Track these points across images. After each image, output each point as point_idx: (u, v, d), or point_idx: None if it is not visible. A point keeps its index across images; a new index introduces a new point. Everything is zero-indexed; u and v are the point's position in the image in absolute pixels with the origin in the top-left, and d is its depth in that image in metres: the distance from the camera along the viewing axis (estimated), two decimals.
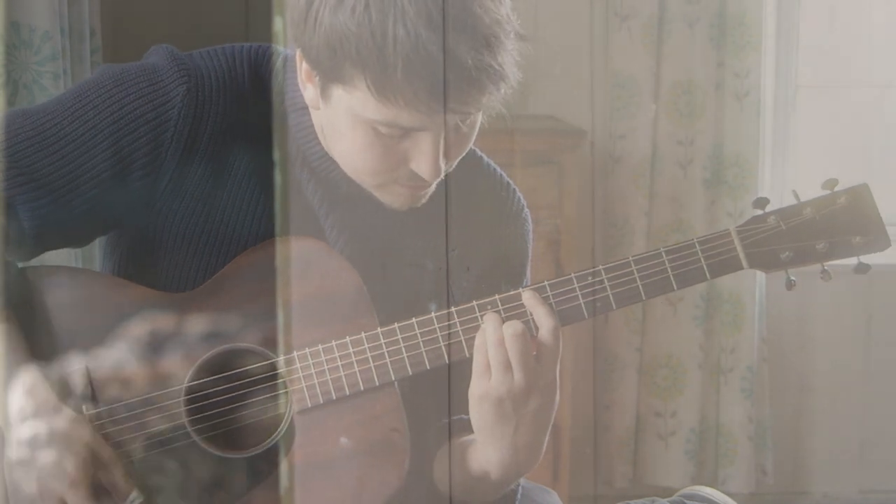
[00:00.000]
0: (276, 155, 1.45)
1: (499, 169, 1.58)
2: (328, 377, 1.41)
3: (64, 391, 1.40)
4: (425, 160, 1.39)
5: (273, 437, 1.41)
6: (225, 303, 1.44)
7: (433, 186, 1.45)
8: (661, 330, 3.28)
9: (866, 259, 1.42)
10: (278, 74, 1.46)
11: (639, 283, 1.41)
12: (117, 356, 1.42)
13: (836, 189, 1.42)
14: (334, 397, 1.41)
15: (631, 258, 1.41)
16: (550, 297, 1.41)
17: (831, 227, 1.42)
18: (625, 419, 3.30)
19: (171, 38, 1.54)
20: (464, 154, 1.45)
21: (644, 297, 1.41)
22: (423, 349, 1.41)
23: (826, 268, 1.43)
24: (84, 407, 1.41)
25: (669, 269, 1.41)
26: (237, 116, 1.46)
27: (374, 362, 1.41)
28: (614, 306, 1.41)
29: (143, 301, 1.44)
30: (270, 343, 1.42)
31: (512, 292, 1.41)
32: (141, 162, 1.44)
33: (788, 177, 3.33)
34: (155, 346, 1.42)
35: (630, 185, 3.25)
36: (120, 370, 1.41)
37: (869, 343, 3.32)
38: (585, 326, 3.21)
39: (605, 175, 3.25)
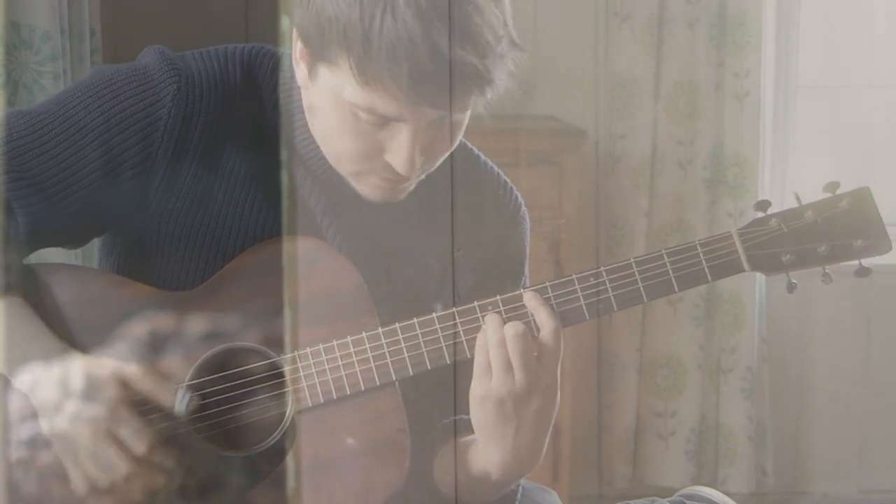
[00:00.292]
0: (283, 155, 1.45)
1: (496, 168, 1.58)
2: (329, 376, 1.41)
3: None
4: (399, 153, 1.38)
5: (273, 436, 1.41)
6: (225, 302, 1.44)
7: (413, 183, 1.44)
8: (662, 330, 3.28)
9: (867, 262, 1.42)
10: (285, 73, 1.46)
11: (640, 284, 1.41)
12: (117, 355, 1.42)
13: (838, 192, 1.42)
14: (335, 397, 1.41)
15: (632, 260, 1.41)
16: (552, 297, 1.41)
17: (833, 231, 1.42)
18: (625, 419, 3.30)
19: (171, 38, 1.54)
20: (446, 155, 1.44)
21: (645, 299, 1.41)
22: (424, 349, 1.41)
23: (827, 271, 1.43)
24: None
25: (671, 271, 1.41)
26: (229, 116, 1.46)
27: (374, 362, 1.41)
28: (616, 308, 1.41)
29: (144, 299, 1.45)
30: (271, 342, 1.42)
31: (513, 293, 1.41)
32: (132, 161, 1.44)
33: (788, 177, 3.34)
34: (155, 345, 1.42)
35: (630, 185, 3.25)
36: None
37: (869, 343, 3.32)
38: (588, 328, 3.21)
39: (605, 175, 3.26)
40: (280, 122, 1.47)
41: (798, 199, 1.43)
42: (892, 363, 3.30)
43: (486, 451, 1.43)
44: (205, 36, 1.63)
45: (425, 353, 1.41)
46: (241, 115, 1.47)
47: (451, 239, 1.50)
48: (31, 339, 1.40)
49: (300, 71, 1.42)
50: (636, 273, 1.41)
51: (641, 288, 1.41)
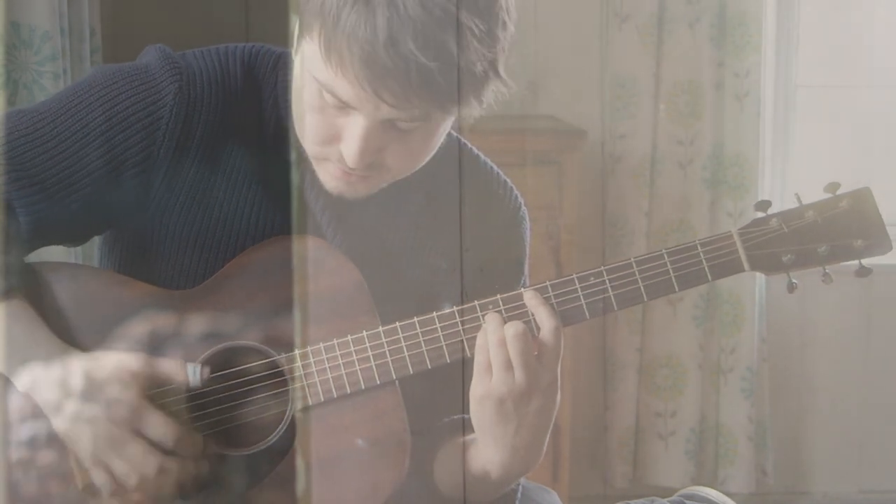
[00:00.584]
0: (293, 155, 1.45)
1: (496, 167, 1.58)
2: (329, 375, 1.41)
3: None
4: (351, 142, 1.37)
5: (274, 434, 1.41)
6: (226, 301, 1.44)
7: (377, 183, 1.43)
8: (662, 330, 3.28)
9: (867, 262, 1.42)
10: (293, 70, 1.46)
11: (640, 284, 1.41)
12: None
13: (839, 192, 1.42)
14: (335, 395, 1.41)
15: (633, 259, 1.42)
16: (552, 297, 1.41)
17: (833, 231, 1.42)
18: (625, 419, 3.30)
19: (171, 38, 1.54)
20: (415, 161, 1.43)
21: (646, 299, 1.41)
22: (424, 348, 1.41)
23: (827, 271, 1.43)
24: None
25: (671, 271, 1.41)
26: (230, 115, 1.46)
27: (375, 360, 1.41)
28: (616, 307, 1.41)
29: (145, 298, 1.45)
30: (272, 341, 1.42)
31: (514, 292, 1.41)
32: (134, 160, 1.44)
33: (788, 177, 3.34)
34: (156, 344, 1.42)
35: (630, 185, 3.25)
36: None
37: (869, 343, 3.32)
38: (590, 327, 3.22)
39: (605, 175, 3.26)
40: (281, 122, 1.47)
41: (798, 199, 1.43)
42: (892, 363, 3.30)
43: (487, 450, 1.43)
44: (205, 36, 1.63)
45: (426, 352, 1.41)
46: (241, 114, 1.47)
47: (458, 238, 1.50)
48: (33, 339, 1.40)
49: (293, 47, 1.43)
50: (636, 272, 1.41)
51: (642, 287, 1.41)
